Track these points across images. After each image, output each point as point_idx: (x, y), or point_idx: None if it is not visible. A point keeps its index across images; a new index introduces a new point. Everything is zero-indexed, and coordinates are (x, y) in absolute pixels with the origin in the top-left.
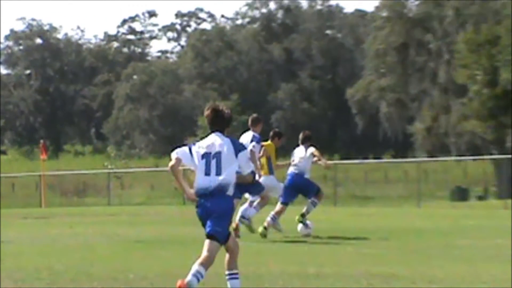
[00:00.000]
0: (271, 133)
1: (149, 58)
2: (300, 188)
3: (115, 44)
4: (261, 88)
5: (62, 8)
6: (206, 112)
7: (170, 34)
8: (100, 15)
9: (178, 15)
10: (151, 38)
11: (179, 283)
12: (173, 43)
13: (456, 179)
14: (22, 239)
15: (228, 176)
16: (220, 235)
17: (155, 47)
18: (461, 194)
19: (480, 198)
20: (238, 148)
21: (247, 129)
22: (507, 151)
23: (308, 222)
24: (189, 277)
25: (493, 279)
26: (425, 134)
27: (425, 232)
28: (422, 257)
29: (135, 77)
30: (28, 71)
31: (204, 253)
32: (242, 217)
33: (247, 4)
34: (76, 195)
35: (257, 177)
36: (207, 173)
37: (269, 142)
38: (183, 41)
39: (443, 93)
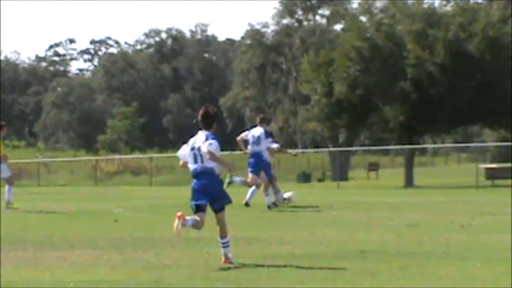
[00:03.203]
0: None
1: (70, 74)
2: None
3: (44, 64)
4: (155, 98)
5: (3, 36)
6: (199, 113)
7: (86, 56)
8: (32, 41)
9: (92, 42)
10: (71, 59)
11: (223, 260)
12: (88, 63)
13: (301, 166)
14: None
15: (207, 163)
16: (223, 204)
17: (75, 66)
18: (305, 177)
19: (319, 180)
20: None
21: (255, 125)
22: (339, 145)
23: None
24: (222, 251)
25: (329, 241)
26: (278, 132)
27: (278, 206)
28: (276, 224)
29: (59, 89)
30: None
31: (221, 226)
32: (273, 203)
33: (145, 34)
34: (13, 178)
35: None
36: (195, 161)
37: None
38: (96, 62)
39: (292, 101)
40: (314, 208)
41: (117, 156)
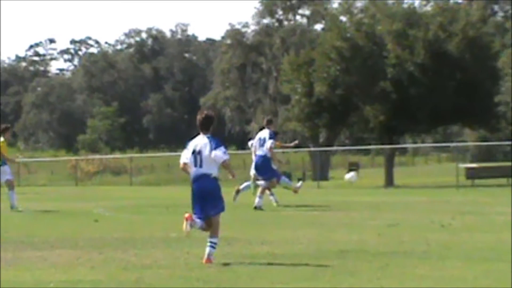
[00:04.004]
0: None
1: (50, 74)
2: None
3: (24, 64)
4: (135, 97)
5: None
6: (198, 117)
7: (66, 56)
8: (12, 41)
9: (72, 41)
10: (51, 59)
11: (204, 261)
12: (68, 63)
13: (281, 166)
14: None
15: (207, 167)
16: (218, 210)
17: (55, 66)
18: (285, 177)
19: (300, 180)
20: (213, 147)
21: (263, 128)
22: (320, 145)
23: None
24: (207, 250)
25: (309, 241)
26: (259, 132)
27: (262, 207)
28: (256, 224)
29: (39, 89)
30: None
31: (214, 227)
32: (260, 207)
33: (125, 34)
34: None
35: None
36: (195, 165)
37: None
38: (76, 62)
39: (272, 101)
40: (295, 208)
41: (97, 156)
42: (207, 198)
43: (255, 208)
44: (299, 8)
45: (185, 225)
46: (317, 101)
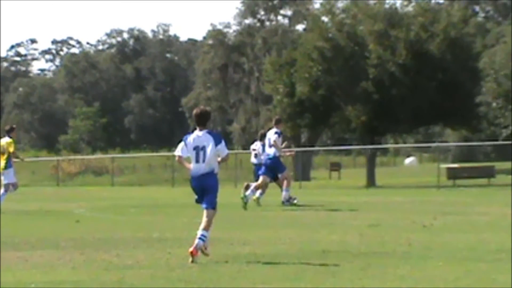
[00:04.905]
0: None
1: (31, 74)
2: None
3: (5, 64)
4: (117, 98)
5: None
6: (194, 112)
7: (47, 57)
8: None
9: (54, 42)
10: (33, 59)
11: (191, 250)
12: (50, 63)
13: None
14: None
15: (210, 162)
16: (213, 206)
17: (36, 66)
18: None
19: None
20: (217, 142)
21: (271, 127)
22: (301, 145)
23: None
24: (196, 241)
25: (291, 241)
26: (240, 132)
27: (240, 206)
28: (238, 225)
29: (20, 89)
30: None
31: (204, 220)
32: (285, 201)
33: (106, 34)
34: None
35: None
36: (197, 161)
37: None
38: (57, 62)
39: (254, 101)
40: (276, 208)
41: (78, 157)
42: (206, 194)
43: (244, 196)
44: (280, 8)
45: (191, 261)
46: (299, 101)
